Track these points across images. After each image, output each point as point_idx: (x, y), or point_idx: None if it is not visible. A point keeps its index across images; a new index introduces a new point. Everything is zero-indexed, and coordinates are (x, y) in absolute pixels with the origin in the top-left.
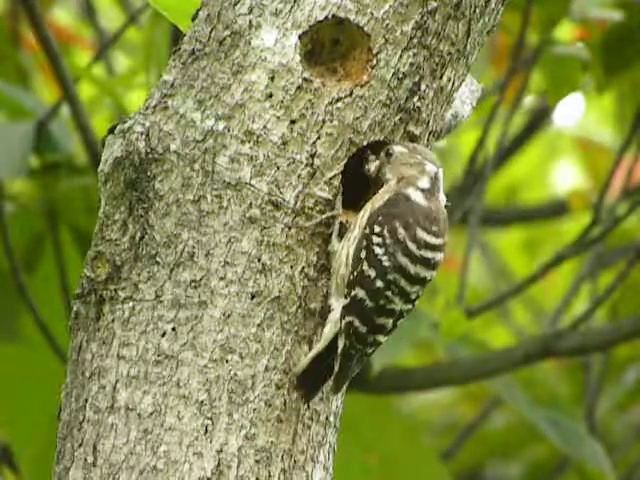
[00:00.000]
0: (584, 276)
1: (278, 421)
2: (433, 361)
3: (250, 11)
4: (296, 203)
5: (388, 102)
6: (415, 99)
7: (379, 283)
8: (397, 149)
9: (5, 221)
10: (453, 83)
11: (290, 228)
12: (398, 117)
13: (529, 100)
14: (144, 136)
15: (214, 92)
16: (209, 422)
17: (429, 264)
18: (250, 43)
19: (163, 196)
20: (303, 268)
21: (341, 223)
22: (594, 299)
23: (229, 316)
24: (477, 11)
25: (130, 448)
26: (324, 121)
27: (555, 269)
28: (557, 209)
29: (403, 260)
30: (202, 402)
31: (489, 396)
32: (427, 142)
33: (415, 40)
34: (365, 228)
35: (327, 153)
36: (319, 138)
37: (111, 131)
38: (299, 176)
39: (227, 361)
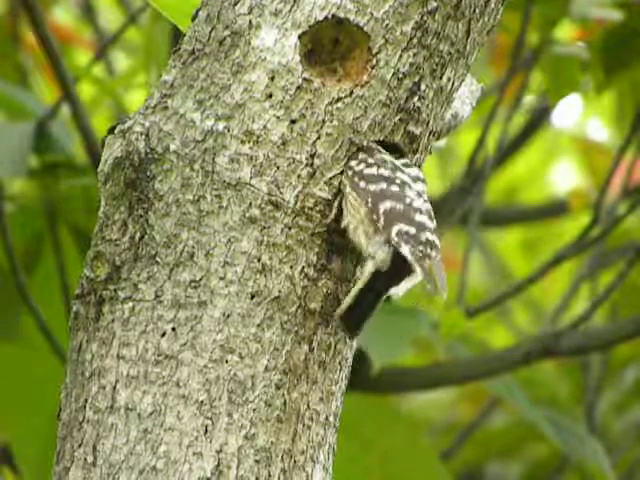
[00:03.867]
0: (584, 276)
1: (278, 421)
2: (433, 361)
3: (250, 11)
4: (296, 203)
5: (388, 102)
6: (415, 99)
7: (394, 188)
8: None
9: (5, 221)
10: (453, 83)
11: (290, 228)
12: (398, 117)
13: (529, 100)
14: (144, 136)
15: (214, 92)
16: (209, 422)
17: (409, 164)
18: (250, 43)
19: (163, 196)
20: (303, 268)
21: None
22: (594, 299)
23: (229, 316)
24: (477, 11)
25: (130, 448)
26: (324, 121)
27: (555, 269)
28: (557, 209)
29: (389, 158)
30: (202, 402)
31: (489, 396)
32: (427, 142)
33: (415, 40)
34: (349, 173)
35: (327, 153)
36: (319, 138)
37: (111, 131)
38: (299, 176)
39: (227, 361)
